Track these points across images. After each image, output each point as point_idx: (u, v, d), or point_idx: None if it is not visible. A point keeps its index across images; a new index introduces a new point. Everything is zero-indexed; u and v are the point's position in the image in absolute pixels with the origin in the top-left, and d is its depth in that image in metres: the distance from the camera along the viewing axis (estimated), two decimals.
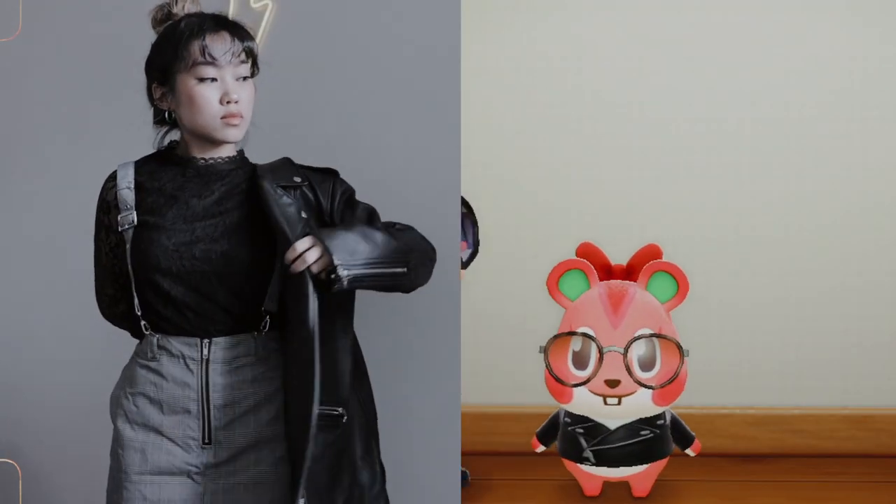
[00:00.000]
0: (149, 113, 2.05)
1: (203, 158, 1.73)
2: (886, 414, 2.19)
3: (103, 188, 1.76)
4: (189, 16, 1.72)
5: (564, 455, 1.99)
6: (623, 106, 2.21)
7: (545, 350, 1.89)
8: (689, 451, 2.00)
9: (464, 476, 2.10)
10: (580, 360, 1.88)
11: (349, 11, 2.17)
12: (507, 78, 2.23)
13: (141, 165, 1.76)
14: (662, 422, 1.94)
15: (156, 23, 1.75)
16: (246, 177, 1.74)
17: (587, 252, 1.99)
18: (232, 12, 1.92)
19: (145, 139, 2.17)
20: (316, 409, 1.61)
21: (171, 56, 1.68)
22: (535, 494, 2.10)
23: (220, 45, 1.67)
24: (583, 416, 1.94)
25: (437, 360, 2.14)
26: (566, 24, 2.22)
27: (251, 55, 1.71)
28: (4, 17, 2.27)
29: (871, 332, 1.91)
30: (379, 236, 1.70)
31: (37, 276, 2.34)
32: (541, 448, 2.05)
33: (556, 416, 2.01)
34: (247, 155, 1.78)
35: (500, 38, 2.23)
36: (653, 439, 1.93)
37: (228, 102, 1.66)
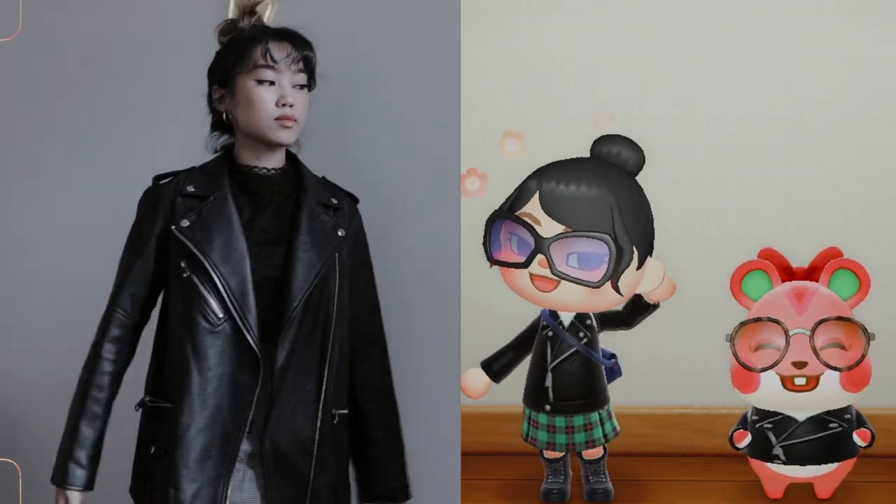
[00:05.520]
0: (148, 112, 2.06)
1: (261, 168, 1.79)
2: (886, 414, 2.18)
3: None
4: (254, 25, 1.81)
5: (753, 455, 1.99)
6: (623, 106, 2.21)
7: (732, 337, 1.91)
8: (856, 437, 1.96)
9: None
10: (764, 349, 1.90)
11: (349, 11, 2.17)
12: (507, 78, 2.23)
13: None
14: (849, 416, 1.95)
15: (222, 34, 1.83)
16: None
17: (769, 255, 2.00)
18: (231, 11, 1.93)
19: (146, 139, 2.17)
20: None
21: (234, 59, 1.76)
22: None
23: (282, 50, 1.76)
24: (770, 412, 1.95)
25: (437, 360, 2.14)
26: (566, 24, 2.22)
27: (309, 65, 1.79)
28: (4, 17, 2.28)
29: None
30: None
31: (37, 275, 2.35)
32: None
33: (744, 419, 2.01)
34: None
35: (500, 38, 2.23)
36: (841, 434, 1.93)
37: (284, 105, 1.74)
